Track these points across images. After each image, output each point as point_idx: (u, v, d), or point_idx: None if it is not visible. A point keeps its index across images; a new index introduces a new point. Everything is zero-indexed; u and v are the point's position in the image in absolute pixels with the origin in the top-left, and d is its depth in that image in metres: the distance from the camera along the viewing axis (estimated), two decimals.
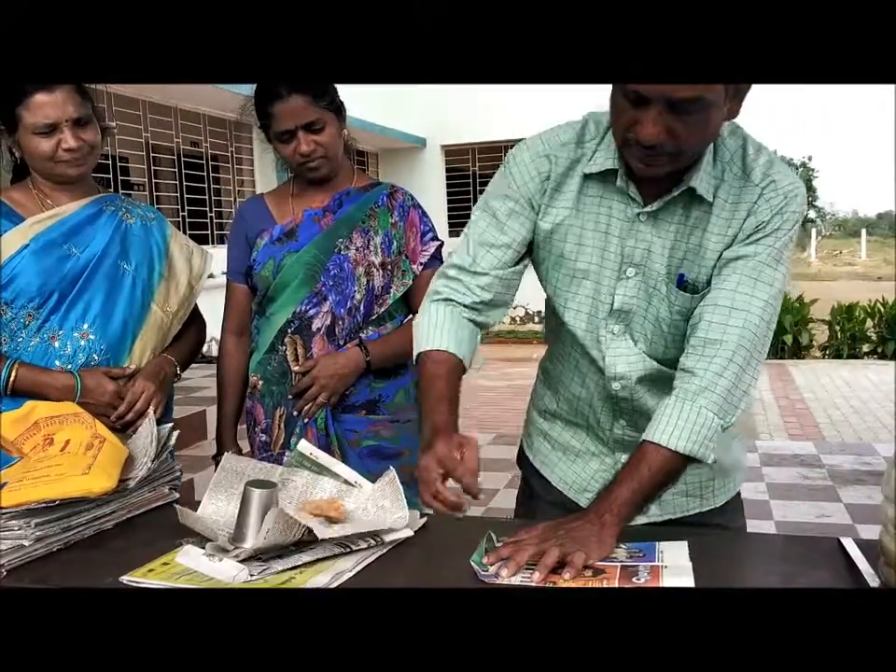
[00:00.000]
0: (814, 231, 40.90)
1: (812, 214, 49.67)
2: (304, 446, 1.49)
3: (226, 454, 1.48)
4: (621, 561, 1.24)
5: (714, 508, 1.60)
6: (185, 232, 8.90)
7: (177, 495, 1.58)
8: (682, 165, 1.31)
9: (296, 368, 1.93)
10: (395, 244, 1.99)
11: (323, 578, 1.19)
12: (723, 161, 1.36)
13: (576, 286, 1.46)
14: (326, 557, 1.26)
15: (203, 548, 1.27)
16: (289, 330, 1.95)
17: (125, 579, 1.20)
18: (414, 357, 1.46)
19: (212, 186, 9.31)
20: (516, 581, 1.18)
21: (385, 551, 1.30)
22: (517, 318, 12.84)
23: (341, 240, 1.96)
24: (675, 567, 1.20)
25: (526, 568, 1.21)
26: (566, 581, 1.17)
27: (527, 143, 1.45)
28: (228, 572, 1.19)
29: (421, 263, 1.99)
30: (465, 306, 1.46)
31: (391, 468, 1.45)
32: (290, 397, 1.94)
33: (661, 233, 1.40)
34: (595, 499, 1.33)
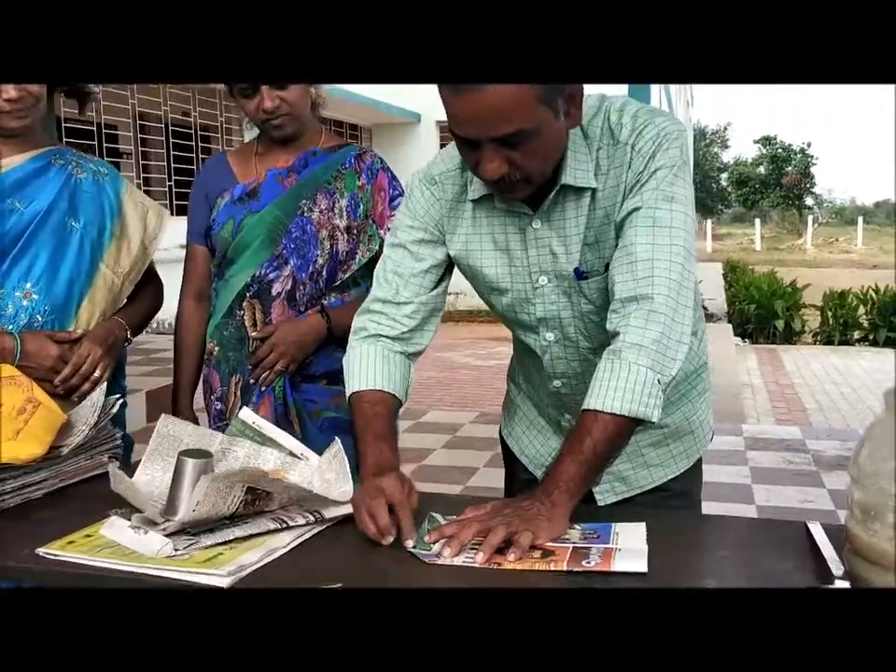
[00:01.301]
0: (810, 218, 40.77)
1: (809, 201, 49.62)
2: (246, 414, 1.41)
3: (162, 416, 1.39)
4: (573, 542, 1.16)
5: (678, 474, 1.53)
6: (172, 203, 8.81)
7: (117, 463, 1.50)
8: (539, 182, 1.27)
9: (254, 334, 1.85)
10: (361, 207, 1.90)
11: (253, 555, 1.11)
12: (594, 142, 1.31)
13: (497, 299, 1.45)
14: (260, 533, 1.18)
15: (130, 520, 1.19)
16: (248, 294, 1.87)
17: (41, 551, 1.13)
18: (347, 397, 1.42)
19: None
20: (458, 561, 1.11)
21: (324, 527, 1.23)
22: None
23: (304, 201, 1.87)
24: (629, 549, 1.12)
25: (471, 548, 1.13)
26: (510, 562, 1.09)
27: (421, 172, 1.45)
28: (151, 546, 1.12)
29: (388, 228, 1.91)
30: (392, 339, 1.44)
31: (336, 439, 1.37)
32: (250, 367, 1.85)
33: (559, 232, 1.35)
34: (543, 477, 1.25)
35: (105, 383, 1.61)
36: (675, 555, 1.14)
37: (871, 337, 10.67)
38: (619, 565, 1.07)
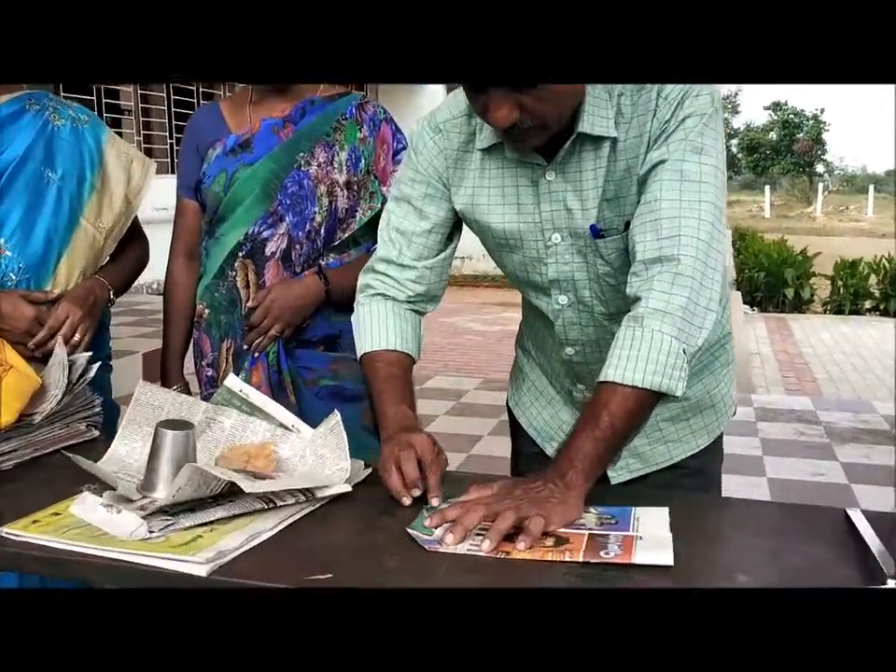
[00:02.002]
0: (821, 185, 40.32)
1: (820, 168, 49.07)
2: (233, 382, 1.30)
3: (140, 382, 1.28)
4: (589, 528, 1.06)
5: (697, 451, 1.42)
6: (174, 161, 8.64)
7: (96, 433, 1.40)
8: (555, 130, 1.15)
9: (249, 303, 1.73)
10: (363, 161, 1.77)
11: (235, 539, 1.01)
12: (616, 87, 1.18)
13: (507, 258, 1.34)
14: (245, 513, 1.07)
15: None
16: (240, 254, 1.75)
17: (3, 531, 1.02)
18: (359, 356, 1.36)
19: None
20: (462, 549, 1.00)
21: (315, 507, 1.12)
22: None
23: (301, 154, 1.74)
24: (651, 538, 1.01)
25: (476, 534, 1.03)
26: (520, 551, 0.99)
27: (425, 120, 1.33)
28: (125, 527, 1.01)
29: (391, 184, 1.78)
30: (400, 301, 1.37)
31: (335, 411, 1.26)
32: (242, 331, 1.73)
33: (574, 186, 1.22)
34: (555, 456, 1.14)
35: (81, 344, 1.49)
36: (700, 545, 1.03)
37: (882, 307, 10.53)
38: (641, 556, 0.96)
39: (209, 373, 1.81)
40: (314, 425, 1.72)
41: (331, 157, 1.75)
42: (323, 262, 1.75)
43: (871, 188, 39.00)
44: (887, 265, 10.79)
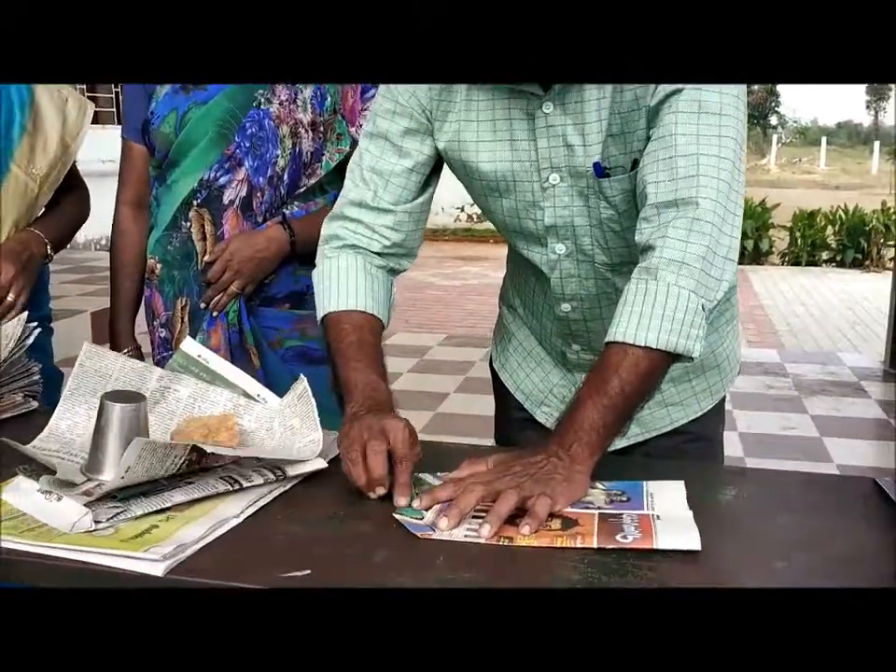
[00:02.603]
0: (774, 137, 40.51)
1: (773, 120, 49.28)
2: (189, 346, 1.16)
3: (85, 345, 1.13)
4: (598, 507, 0.94)
5: (700, 415, 1.32)
6: (119, 111, 8.23)
7: (34, 404, 1.25)
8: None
9: (205, 257, 1.57)
10: (329, 100, 1.61)
11: (196, 528, 0.87)
12: None
13: (496, 203, 1.18)
14: (206, 497, 0.94)
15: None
16: (195, 203, 1.58)
17: None
18: (319, 316, 1.20)
19: None
20: (458, 535, 0.88)
21: (287, 487, 0.99)
22: (473, 216, 12.43)
23: (261, 91, 1.57)
24: (670, 518, 0.90)
25: (473, 517, 0.90)
26: (525, 536, 0.87)
27: None
28: (66, 517, 0.87)
29: (361, 125, 1.62)
30: (374, 253, 1.21)
31: (302, 376, 1.12)
32: (202, 284, 1.57)
33: (575, 119, 1.08)
34: (557, 427, 1.02)
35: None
36: (724, 525, 0.92)
37: (838, 258, 10.59)
38: (664, 540, 0.85)
39: (163, 335, 1.65)
40: (279, 391, 1.59)
41: (294, 94, 1.58)
42: (287, 211, 1.59)
43: (823, 140, 39.27)
44: (843, 216, 10.84)
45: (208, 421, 1.08)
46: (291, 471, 0.99)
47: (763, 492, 1.01)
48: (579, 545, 0.85)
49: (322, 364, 1.64)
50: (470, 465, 0.99)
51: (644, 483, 0.99)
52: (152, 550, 0.82)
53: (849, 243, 10.56)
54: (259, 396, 1.14)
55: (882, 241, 10.38)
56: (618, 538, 0.85)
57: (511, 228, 1.20)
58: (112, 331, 1.70)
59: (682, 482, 0.99)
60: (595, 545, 0.85)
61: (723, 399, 1.37)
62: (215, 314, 1.57)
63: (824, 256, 10.79)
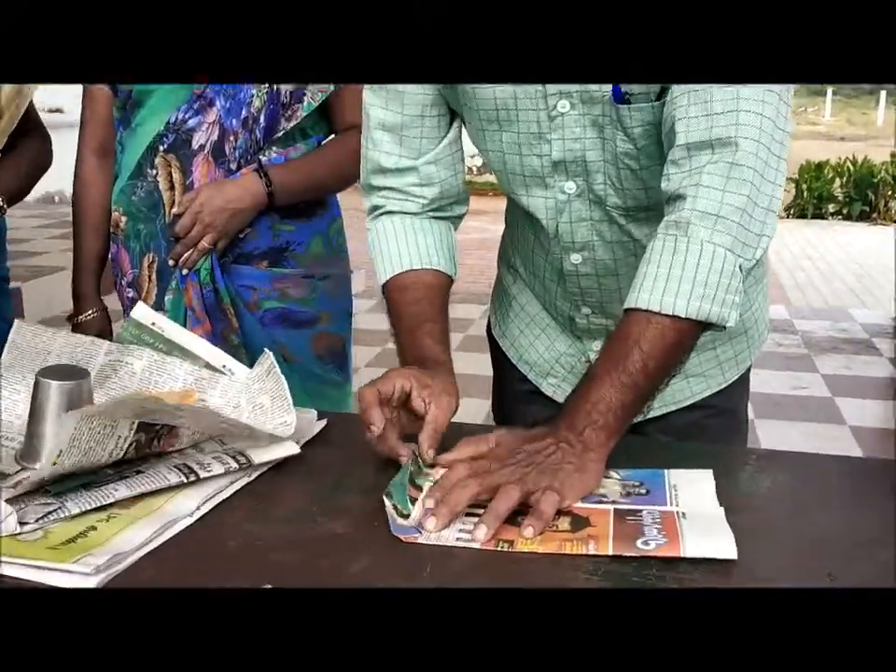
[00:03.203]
0: None
1: None
2: (141, 312, 1.01)
3: (16, 323, 0.99)
4: (612, 500, 0.81)
5: (724, 386, 1.18)
6: None
7: None
8: None
9: (173, 210, 1.42)
10: None
11: (140, 532, 0.74)
12: None
13: (494, 139, 1.03)
14: (157, 491, 0.80)
15: None
16: (161, 147, 1.43)
17: None
18: (380, 285, 1.10)
19: None
20: (449, 538, 0.74)
21: (253, 478, 0.85)
22: (473, 168, 12.17)
23: None
24: (699, 517, 0.77)
25: (468, 514, 0.77)
26: (528, 540, 0.74)
27: None
28: None
29: None
30: (415, 214, 1.10)
31: (266, 350, 0.98)
32: (170, 238, 1.43)
33: None
34: (567, 406, 0.88)
35: None
36: (759, 525, 0.78)
37: (845, 211, 10.38)
38: (693, 546, 0.71)
39: (130, 295, 1.51)
40: (256, 357, 1.46)
41: None
42: (264, 158, 1.44)
43: (828, 90, 38.66)
44: (851, 168, 10.61)
45: (166, 397, 0.94)
46: (257, 458, 0.86)
47: (800, 481, 0.87)
48: (591, 552, 0.72)
49: (303, 326, 1.51)
50: (466, 445, 0.86)
51: (665, 472, 0.86)
52: (83, 560, 0.68)
53: (856, 195, 10.34)
54: (224, 367, 1.00)
55: (890, 193, 10.16)
56: (638, 543, 0.72)
57: (510, 168, 1.05)
58: (74, 291, 1.56)
59: (710, 471, 0.85)
60: (609, 552, 0.71)
61: (749, 369, 1.23)
62: (185, 271, 1.42)
63: (830, 209, 10.58)
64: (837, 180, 10.65)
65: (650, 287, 0.85)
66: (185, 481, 0.81)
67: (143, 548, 0.72)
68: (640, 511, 0.78)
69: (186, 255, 1.41)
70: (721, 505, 0.79)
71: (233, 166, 1.43)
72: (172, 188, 1.43)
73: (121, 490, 0.79)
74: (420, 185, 1.07)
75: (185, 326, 1.37)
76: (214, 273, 1.43)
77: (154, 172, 1.43)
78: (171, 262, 1.43)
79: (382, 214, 1.10)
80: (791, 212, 10.56)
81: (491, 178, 11.61)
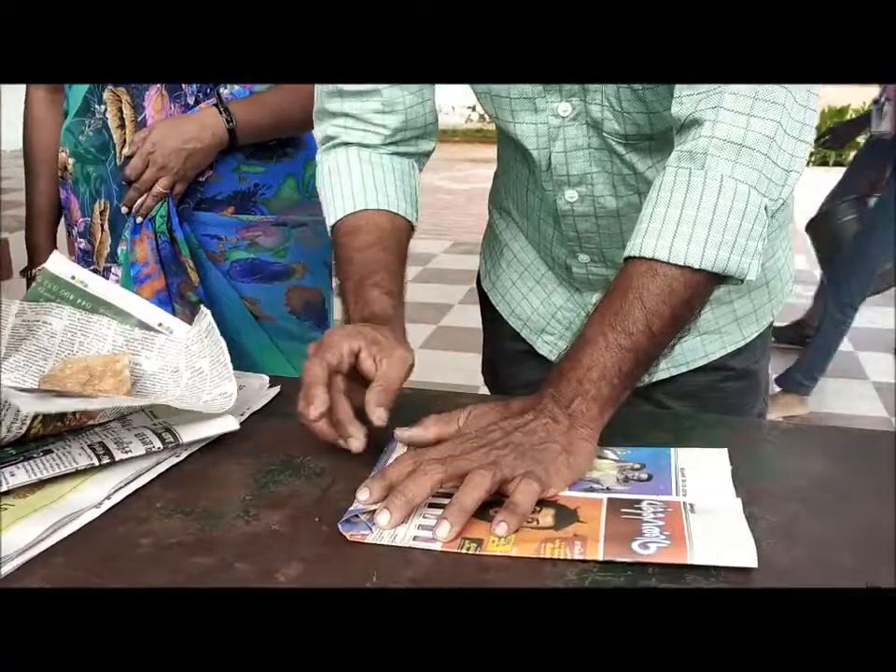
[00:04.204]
0: None
1: None
2: (58, 264, 0.87)
3: None
4: (607, 488, 0.67)
5: (741, 345, 1.04)
6: None
7: None
8: None
9: (125, 151, 1.27)
10: None
11: (32, 528, 0.61)
12: None
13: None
14: (61, 476, 0.67)
15: None
16: None
17: None
18: (329, 229, 0.94)
19: None
20: (405, 537, 0.61)
21: (180, 459, 0.72)
22: (485, 116, 11.89)
23: None
24: (711, 511, 0.63)
25: (430, 504, 0.64)
26: (500, 539, 0.60)
27: None
28: None
29: None
30: (376, 146, 0.95)
31: (203, 308, 0.84)
32: (123, 181, 1.28)
33: None
34: (553, 373, 0.73)
35: None
36: (779, 511, 0.64)
37: None
38: (704, 551, 0.57)
39: (82, 245, 1.37)
40: (224, 314, 1.32)
41: None
42: (224, 91, 1.28)
43: None
44: None
45: (91, 362, 0.81)
46: (187, 436, 0.72)
47: (831, 461, 0.73)
48: (577, 556, 0.58)
49: (278, 280, 1.37)
50: (436, 423, 0.72)
51: (671, 451, 0.72)
52: None
53: None
54: (160, 325, 0.86)
55: None
56: (635, 546, 0.58)
57: (496, 89, 0.89)
58: (28, 241, 1.42)
59: (725, 451, 0.71)
60: (600, 557, 0.58)
61: (770, 326, 1.08)
62: (139, 219, 1.28)
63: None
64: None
65: (656, 230, 0.70)
66: (95, 464, 0.68)
67: (28, 550, 0.59)
68: (640, 501, 0.64)
69: (139, 201, 1.27)
70: (738, 494, 0.65)
71: (190, 100, 1.27)
72: (122, 126, 1.28)
73: (18, 475, 0.66)
74: (382, 111, 0.92)
75: (134, 281, 1.24)
76: (171, 220, 1.29)
77: (103, 108, 1.28)
78: (123, 209, 1.29)
79: (336, 145, 0.95)
80: (813, 159, 10.28)
81: None
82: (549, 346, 1.08)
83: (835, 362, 3.21)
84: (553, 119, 0.87)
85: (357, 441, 0.70)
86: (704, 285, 0.71)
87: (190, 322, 0.86)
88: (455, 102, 11.49)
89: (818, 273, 4.52)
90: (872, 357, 3.28)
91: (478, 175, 8.14)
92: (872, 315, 3.79)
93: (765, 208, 0.71)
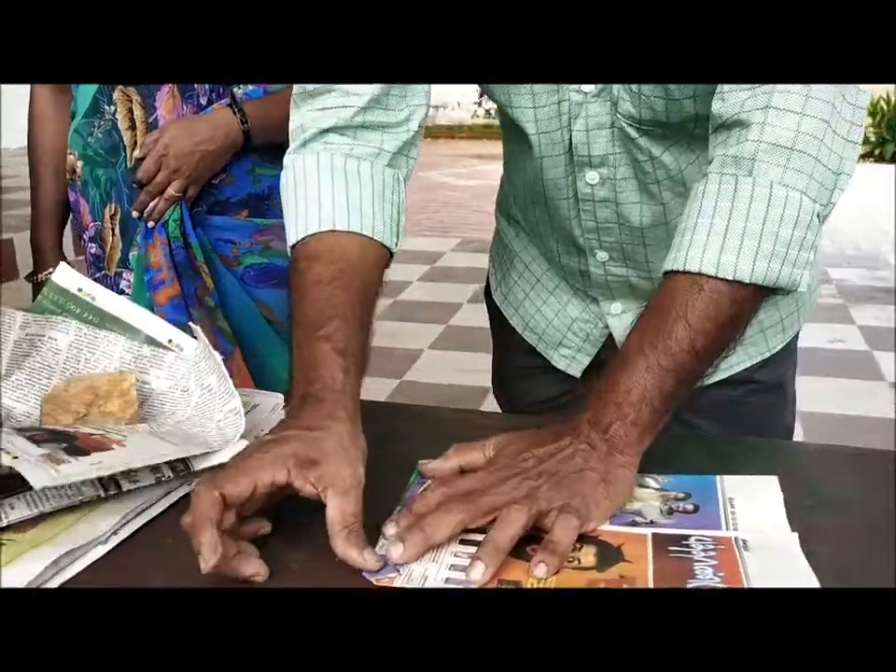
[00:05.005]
0: None
1: None
2: (65, 276, 0.83)
3: None
4: (651, 521, 0.63)
5: (767, 356, 0.99)
6: None
7: None
8: None
9: (136, 153, 1.23)
10: None
11: (35, 564, 0.57)
12: None
13: None
14: (64, 509, 0.63)
15: None
16: None
17: None
18: (289, 248, 0.80)
19: None
20: (436, 579, 0.56)
21: (191, 488, 0.68)
22: (491, 111, 11.83)
23: None
24: (766, 548, 0.58)
25: (462, 541, 0.60)
26: (539, 581, 0.56)
27: None
28: None
29: None
30: (352, 129, 0.80)
31: (193, 326, 0.80)
32: (135, 184, 1.24)
33: None
34: (592, 393, 0.68)
35: None
36: (838, 547, 0.60)
37: (877, 153, 10.00)
38: (761, 584, 0.53)
39: (93, 250, 1.33)
40: (237, 320, 1.28)
41: None
42: (238, 91, 1.24)
43: None
44: (885, 107, 10.20)
45: (96, 381, 0.76)
46: (199, 464, 0.68)
47: (869, 475, 0.68)
48: (627, 587, 0.54)
49: None
50: (459, 454, 0.68)
51: (717, 479, 0.68)
52: None
53: (889, 136, 9.95)
54: (170, 342, 0.82)
55: None
56: (689, 582, 0.54)
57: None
58: (33, 245, 1.38)
59: (775, 478, 0.67)
60: (650, 585, 0.53)
61: (797, 336, 1.04)
62: (151, 224, 1.24)
63: (862, 150, 10.21)
64: (869, 119, 10.26)
65: (701, 242, 0.66)
66: (102, 495, 0.64)
67: (38, 580, 0.55)
68: (688, 537, 0.60)
69: (152, 205, 1.23)
70: (792, 527, 0.60)
71: (203, 101, 1.23)
72: (133, 127, 1.24)
73: (19, 507, 0.62)
74: (371, 108, 0.79)
75: (148, 287, 1.20)
76: (184, 224, 1.24)
77: (112, 108, 1.24)
78: (135, 213, 1.25)
79: (311, 141, 0.80)
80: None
81: None
82: (566, 360, 1.03)
83: (853, 363, 3.16)
84: (576, 94, 0.82)
85: (259, 577, 0.57)
86: (751, 300, 0.67)
87: (210, 329, 0.81)
88: (461, 97, 11.44)
89: (830, 271, 4.48)
90: (887, 356, 3.23)
91: (485, 172, 8.09)
92: (884, 313, 3.74)
93: (818, 215, 0.67)
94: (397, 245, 0.80)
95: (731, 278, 0.65)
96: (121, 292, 1.27)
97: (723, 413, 0.98)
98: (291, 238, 0.78)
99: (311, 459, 0.59)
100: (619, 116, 0.82)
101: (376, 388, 2.80)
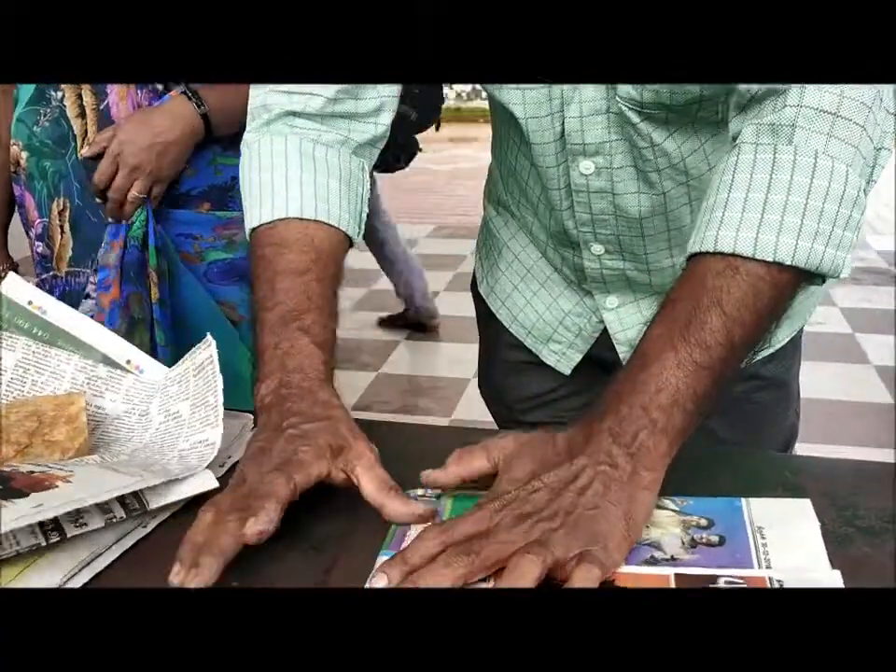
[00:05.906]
0: None
1: None
2: (15, 287, 0.73)
3: None
4: (671, 557, 0.55)
5: (772, 352, 0.93)
6: None
7: None
8: None
9: (84, 151, 1.14)
10: None
11: None
12: None
13: None
14: (7, 559, 0.55)
15: None
16: None
17: None
18: (248, 231, 0.77)
19: None
20: None
21: (148, 530, 0.59)
22: (462, 94, 11.70)
23: None
24: (801, 582, 0.51)
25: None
26: None
27: None
28: None
29: None
30: (318, 118, 0.78)
31: (209, 336, 0.71)
32: (95, 191, 1.14)
33: None
34: (609, 396, 0.60)
35: None
36: (881, 580, 0.53)
37: None
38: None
39: (40, 249, 1.23)
40: (198, 321, 1.19)
41: None
42: None
43: None
44: None
45: (41, 406, 0.68)
46: (155, 502, 0.59)
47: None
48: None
49: None
50: (462, 463, 0.60)
51: (742, 503, 0.60)
52: None
53: None
54: (129, 363, 0.73)
55: None
56: None
57: None
58: None
59: (807, 501, 0.60)
60: None
61: (801, 329, 0.97)
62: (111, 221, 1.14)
63: None
64: None
65: (735, 219, 0.58)
66: (43, 544, 0.55)
67: None
68: (716, 578, 0.52)
69: (127, 208, 1.13)
70: (834, 565, 0.53)
71: (159, 86, 1.13)
72: (83, 114, 1.14)
73: None
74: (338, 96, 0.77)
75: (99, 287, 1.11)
76: (148, 225, 1.15)
77: (59, 95, 1.14)
78: (109, 221, 1.15)
79: (272, 120, 0.77)
80: None
81: (483, 104, 11.20)
82: (556, 356, 0.97)
83: (835, 346, 3.12)
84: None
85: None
86: (790, 286, 0.59)
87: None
88: None
89: None
90: (870, 338, 3.19)
91: (458, 156, 8.00)
92: (866, 294, 3.70)
93: (864, 192, 0.60)
94: (358, 235, 0.79)
95: (770, 259, 0.57)
96: (86, 296, 1.18)
97: (727, 411, 0.91)
98: (254, 220, 0.75)
99: (339, 447, 0.60)
100: (618, 99, 0.75)
101: (352, 382, 2.72)
